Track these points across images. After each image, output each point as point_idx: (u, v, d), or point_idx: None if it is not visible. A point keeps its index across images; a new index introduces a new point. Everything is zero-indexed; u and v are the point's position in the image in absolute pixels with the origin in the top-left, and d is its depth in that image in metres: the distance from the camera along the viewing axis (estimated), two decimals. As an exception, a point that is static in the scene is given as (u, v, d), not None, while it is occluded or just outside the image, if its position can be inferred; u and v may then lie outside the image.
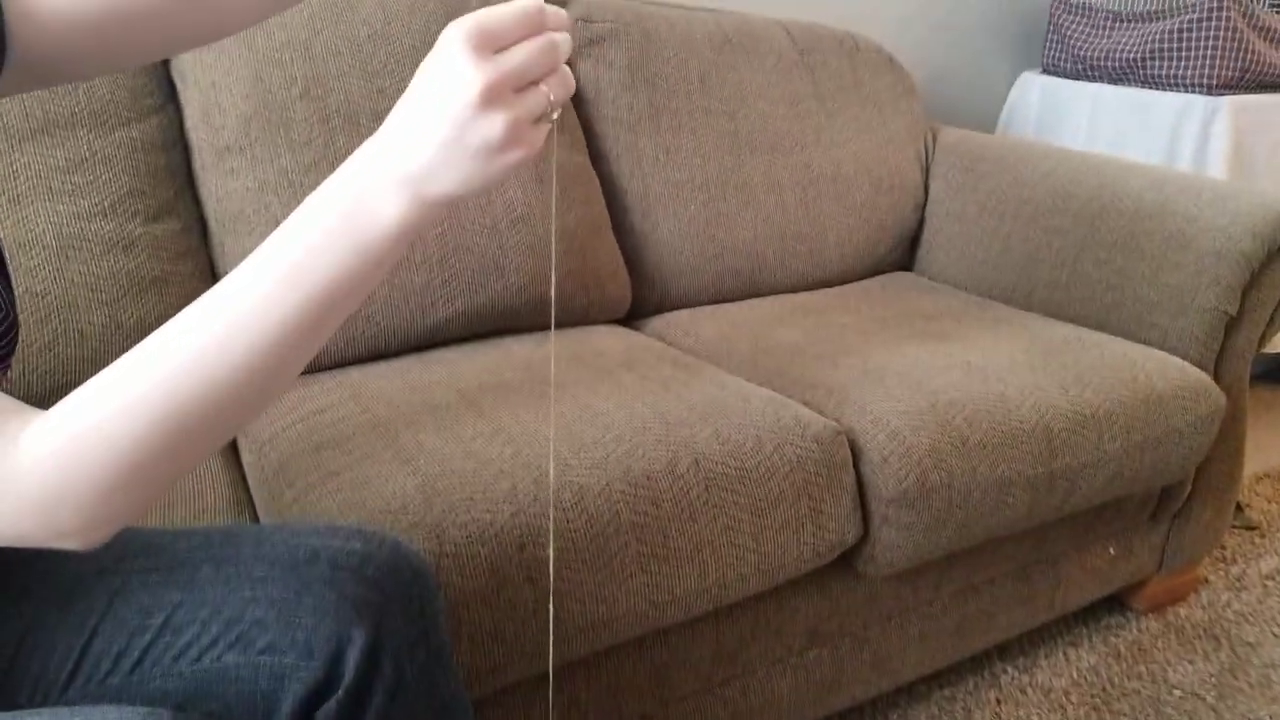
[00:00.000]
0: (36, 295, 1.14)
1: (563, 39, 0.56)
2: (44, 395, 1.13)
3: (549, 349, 1.35)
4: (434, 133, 0.53)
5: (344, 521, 0.95)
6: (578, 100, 1.62)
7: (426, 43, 1.42)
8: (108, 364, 1.15)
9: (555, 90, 0.55)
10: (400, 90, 1.39)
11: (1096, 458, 1.31)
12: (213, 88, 1.30)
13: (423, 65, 0.55)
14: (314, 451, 1.07)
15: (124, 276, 1.19)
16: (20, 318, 1.13)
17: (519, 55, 0.53)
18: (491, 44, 0.53)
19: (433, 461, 1.03)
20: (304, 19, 1.36)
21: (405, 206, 0.55)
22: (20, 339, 1.14)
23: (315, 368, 1.30)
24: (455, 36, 0.52)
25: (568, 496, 1.01)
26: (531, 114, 0.54)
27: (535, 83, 0.55)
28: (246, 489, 1.13)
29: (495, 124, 0.53)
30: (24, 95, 1.18)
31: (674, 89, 1.65)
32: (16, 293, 1.13)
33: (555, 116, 0.56)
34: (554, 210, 1.45)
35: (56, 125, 1.19)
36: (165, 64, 1.32)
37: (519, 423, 1.11)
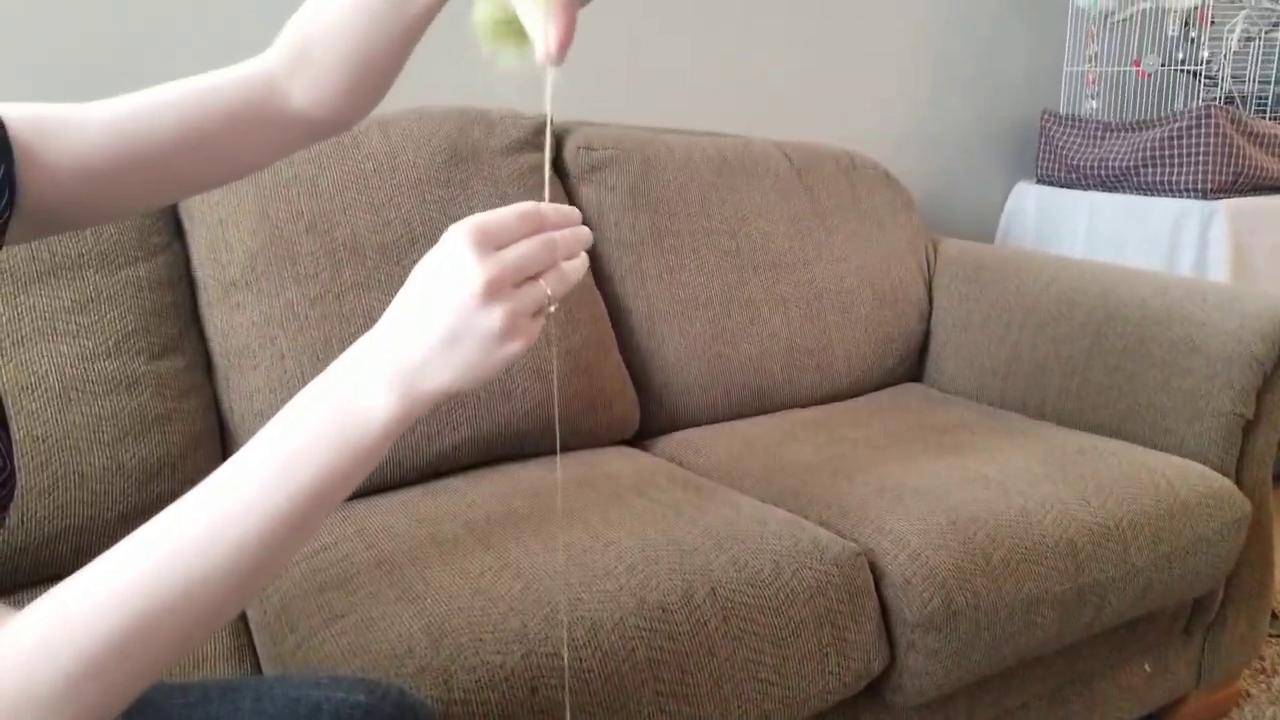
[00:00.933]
0: (37, 439, 1.12)
1: (567, 235, 0.59)
2: (42, 542, 1.11)
3: (558, 476, 1.33)
4: (433, 326, 0.55)
5: (348, 669, 0.92)
6: (584, 223, 1.63)
7: (430, 174, 1.43)
8: (108, 506, 1.14)
9: (553, 285, 0.58)
10: (406, 222, 1.40)
11: (1125, 571, 1.27)
12: (220, 224, 1.31)
13: (423, 263, 0.56)
14: (317, 592, 1.04)
15: (126, 416, 1.17)
16: (20, 463, 1.11)
17: (518, 251, 0.56)
18: (492, 241, 0.56)
19: (440, 600, 0.99)
20: (310, 155, 1.37)
21: (396, 403, 0.56)
22: (19, 484, 1.12)
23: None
24: (459, 234, 0.55)
25: (581, 633, 0.97)
26: (530, 307, 0.56)
27: (534, 278, 0.57)
28: (248, 634, 1.09)
29: (495, 316, 0.55)
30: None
31: (675, 211, 1.67)
32: (16, 438, 1.12)
33: (552, 310, 0.58)
34: (554, 365, 1.45)
35: (63, 267, 1.19)
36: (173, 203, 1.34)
37: (528, 555, 1.08)
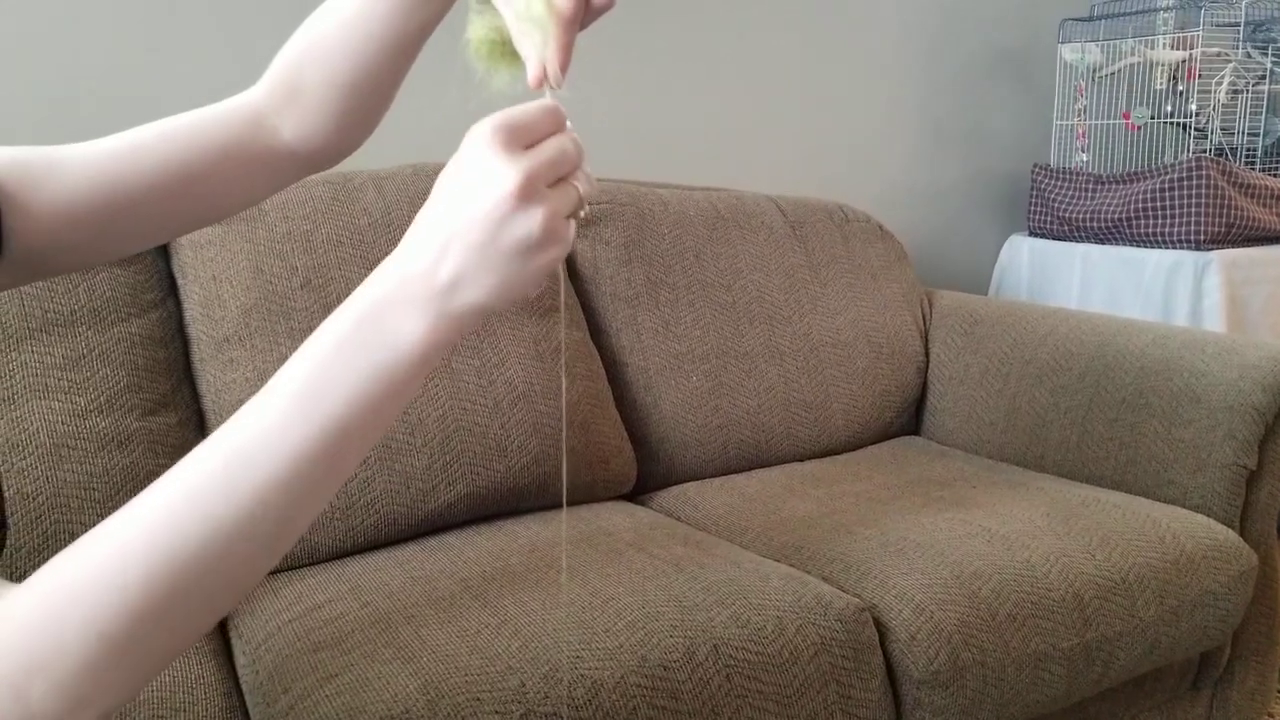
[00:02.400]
0: (27, 497, 1.10)
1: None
2: (29, 601, 1.08)
3: (555, 531, 1.31)
4: (464, 236, 0.50)
5: (343, 731, 0.89)
6: (576, 277, 1.63)
7: (426, 229, 1.43)
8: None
9: (583, 185, 0.53)
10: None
11: (1132, 626, 1.25)
12: (213, 281, 1.30)
13: (444, 174, 0.52)
14: (311, 652, 1.02)
15: (118, 473, 1.16)
16: (10, 521, 1.09)
17: (550, 148, 0.52)
18: (522, 139, 0.51)
19: (436, 659, 0.97)
20: (305, 211, 1.37)
21: (429, 324, 0.51)
22: (8, 543, 1.10)
23: (313, 559, 1.25)
24: (484, 134, 0.51)
25: (581, 693, 0.95)
26: (566, 209, 0.52)
27: (565, 179, 0.53)
28: (240, 696, 1.07)
29: (534, 218, 0.50)
30: (23, 295, 1.18)
31: (670, 264, 1.67)
32: (7, 495, 1.10)
33: (584, 214, 0.54)
34: (564, 390, 1.44)
35: (55, 324, 1.18)
36: (166, 259, 1.33)
37: (526, 613, 1.06)
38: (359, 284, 1.42)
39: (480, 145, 0.51)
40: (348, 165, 1.48)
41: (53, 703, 0.47)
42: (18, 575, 1.08)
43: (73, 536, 1.11)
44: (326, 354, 0.50)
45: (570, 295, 1.59)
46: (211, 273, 1.30)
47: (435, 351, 0.51)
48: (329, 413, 0.50)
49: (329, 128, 0.74)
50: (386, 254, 1.48)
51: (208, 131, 0.71)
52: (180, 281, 1.32)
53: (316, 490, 0.50)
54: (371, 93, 0.73)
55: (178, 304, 1.32)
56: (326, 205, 1.39)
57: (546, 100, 0.54)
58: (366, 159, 1.54)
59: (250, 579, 0.51)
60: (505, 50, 0.65)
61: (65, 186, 0.66)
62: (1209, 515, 1.45)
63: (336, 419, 0.50)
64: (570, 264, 1.62)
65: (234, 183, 0.73)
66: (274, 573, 1.23)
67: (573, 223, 0.54)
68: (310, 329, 1.31)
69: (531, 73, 0.59)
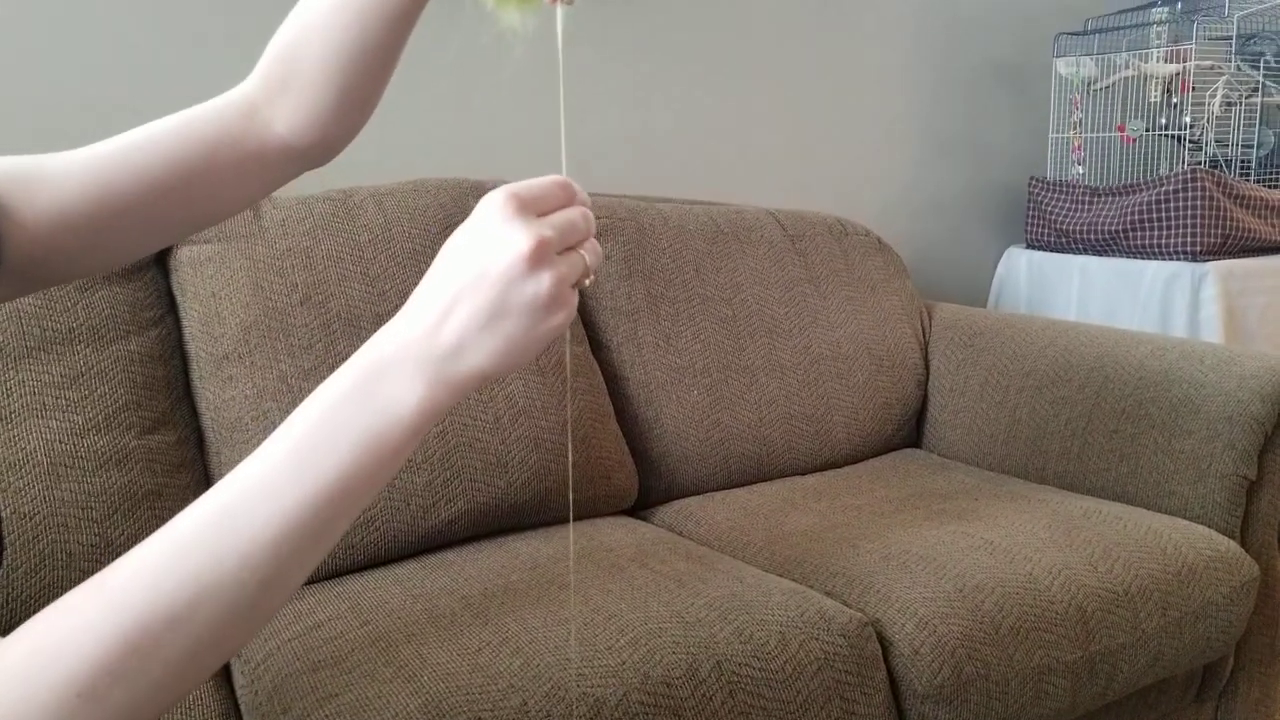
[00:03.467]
0: (25, 516, 1.10)
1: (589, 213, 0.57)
2: (27, 622, 1.08)
3: (556, 547, 1.30)
4: (471, 296, 0.50)
5: (345, 751, 0.88)
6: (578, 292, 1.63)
7: (426, 246, 1.43)
8: (96, 585, 1.11)
9: (590, 256, 0.55)
10: (402, 294, 1.39)
11: (1135, 638, 1.24)
12: (213, 298, 1.30)
13: (452, 240, 0.53)
14: (311, 671, 1.01)
15: (116, 492, 1.15)
16: (6, 540, 1.09)
17: (562, 218, 0.53)
18: (533, 208, 0.52)
19: (437, 678, 0.97)
20: (305, 227, 1.37)
21: (426, 389, 0.51)
22: (5, 563, 1.09)
23: (313, 578, 1.24)
24: (498, 201, 0.52)
25: (583, 710, 0.94)
26: (573, 276, 0.53)
27: (573, 248, 0.54)
28: (239, 716, 1.06)
29: (544, 281, 0.51)
30: (22, 314, 1.17)
31: (671, 279, 1.67)
32: (4, 514, 1.09)
33: (589, 282, 0.55)
34: (569, 405, 1.44)
35: (54, 342, 1.18)
36: (166, 276, 1.33)
37: (527, 630, 1.05)
38: (358, 300, 1.41)
39: (494, 211, 0.52)
40: (348, 181, 1.48)
41: None
42: (15, 594, 1.08)
43: (70, 555, 1.10)
44: (321, 416, 0.50)
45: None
46: (211, 290, 1.30)
47: (430, 418, 0.51)
48: (319, 478, 0.49)
49: (323, 115, 0.72)
50: (385, 270, 1.48)
51: (198, 129, 0.70)
52: (179, 299, 1.31)
53: (303, 554, 0.50)
54: (366, 73, 0.72)
55: (177, 321, 1.31)
56: (326, 221, 1.39)
57: (557, 176, 0.55)
58: (367, 174, 1.55)
59: (232, 640, 0.50)
60: None
61: (58, 193, 0.65)
62: (1210, 526, 1.45)
63: (326, 485, 0.50)
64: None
65: (228, 180, 0.71)
66: (273, 591, 1.23)
67: (576, 293, 0.54)
68: (309, 346, 1.31)
69: None
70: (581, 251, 0.54)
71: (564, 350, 1.51)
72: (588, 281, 0.55)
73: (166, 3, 1.52)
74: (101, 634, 0.46)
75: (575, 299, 0.54)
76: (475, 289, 0.50)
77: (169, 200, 0.69)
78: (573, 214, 0.54)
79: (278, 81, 0.72)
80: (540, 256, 0.51)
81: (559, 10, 0.59)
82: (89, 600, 0.47)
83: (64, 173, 0.66)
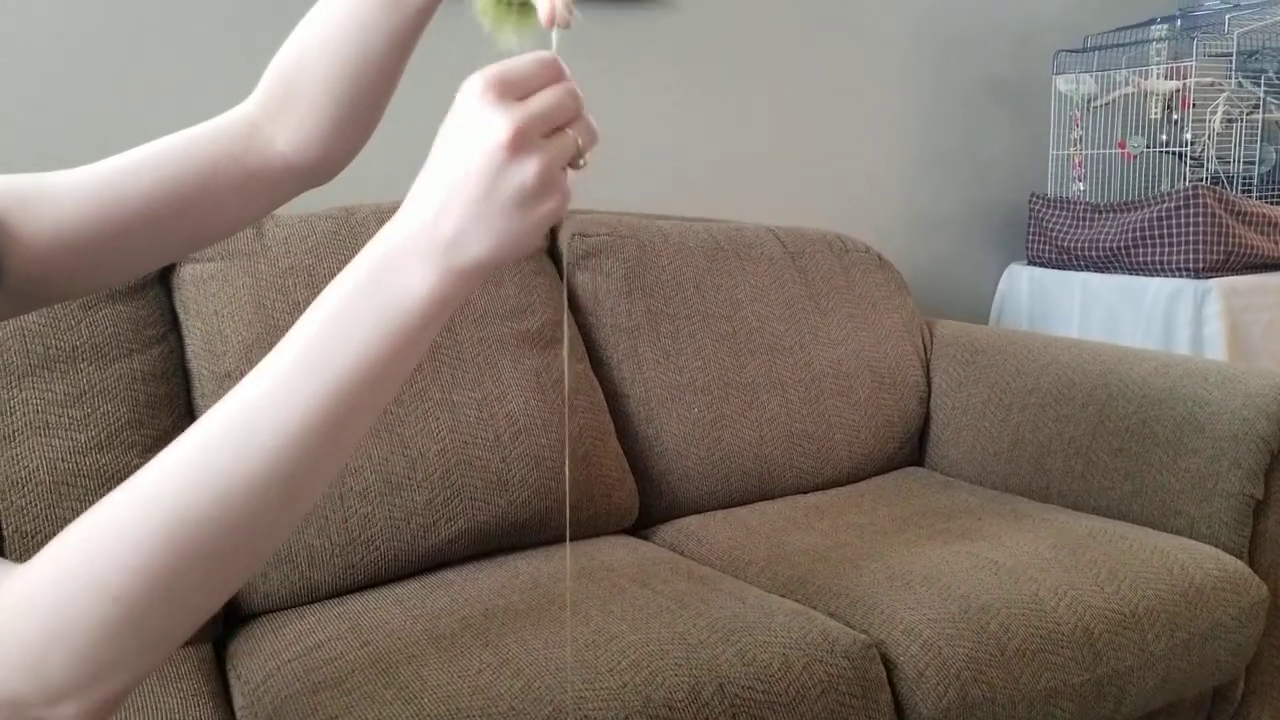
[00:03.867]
0: (27, 535, 1.09)
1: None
2: (26, 643, 1.07)
3: (557, 566, 1.29)
4: (461, 190, 0.50)
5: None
6: (577, 309, 1.63)
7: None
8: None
9: (582, 135, 0.53)
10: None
11: (1143, 660, 1.23)
12: (216, 316, 1.29)
13: (443, 127, 0.52)
14: (311, 693, 1.00)
15: (116, 512, 1.14)
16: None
17: (544, 98, 0.51)
18: (514, 91, 0.51)
19: (437, 700, 0.96)
20: (308, 245, 1.37)
21: (435, 278, 0.50)
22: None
23: (313, 597, 1.24)
24: (476, 88, 0.50)
25: (587, 733, 0.93)
26: (562, 158, 0.52)
27: (561, 129, 0.52)
28: (239, 738, 1.05)
29: (528, 168, 0.50)
30: (26, 332, 1.17)
31: (671, 295, 1.66)
32: (6, 534, 1.09)
33: (583, 163, 0.54)
34: (566, 422, 1.43)
35: (57, 360, 1.17)
36: (169, 294, 1.32)
37: (528, 651, 1.04)
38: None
39: (472, 98, 0.50)
40: (350, 199, 1.48)
41: (72, 671, 0.46)
42: (14, 616, 1.07)
43: (70, 576, 1.10)
44: (335, 307, 0.50)
45: (571, 327, 1.59)
46: (214, 308, 1.30)
47: (443, 306, 0.51)
48: (338, 367, 0.50)
49: (324, 132, 0.72)
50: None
51: (200, 147, 0.70)
52: (182, 316, 1.31)
53: (326, 449, 0.50)
54: (367, 91, 0.72)
55: (179, 339, 1.31)
56: (329, 239, 1.39)
57: (542, 52, 0.53)
58: (368, 193, 1.54)
59: (264, 542, 0.50)
60: (509, 7, 0.64)
61: (60, 211, 0.65)
62: (1217, 546, 1.44)
63: (345, 376, 0.50)
64: (571, 295, 1.62)
65: (229, 198, 0.71)
66: (272, 610, 1.22)
67: (571, 173, 0.53)
68: (310, 364, 1.30)
69: (543, 11, 0.58)
70: (570, 131, 0.52)
71: (563, 367, 1.50)
72: (581, 163, 0.53)
73: (170, 22, 1.52)
74: (133, 536, 0.47)
75: (566, 182, 0.52)
76: (463, 182, 0.50)
77: (171, 218, 0.69)
78: (558, 91, 0.52)
79: (279, 99, 0.72)
80: (520, 143, 0.49)
81: (554, 34, 0.59)
82: (120, 504, 0.48)
83: (65, 191, 0.66)
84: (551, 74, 0.52)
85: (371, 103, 0.73)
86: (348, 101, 0.72)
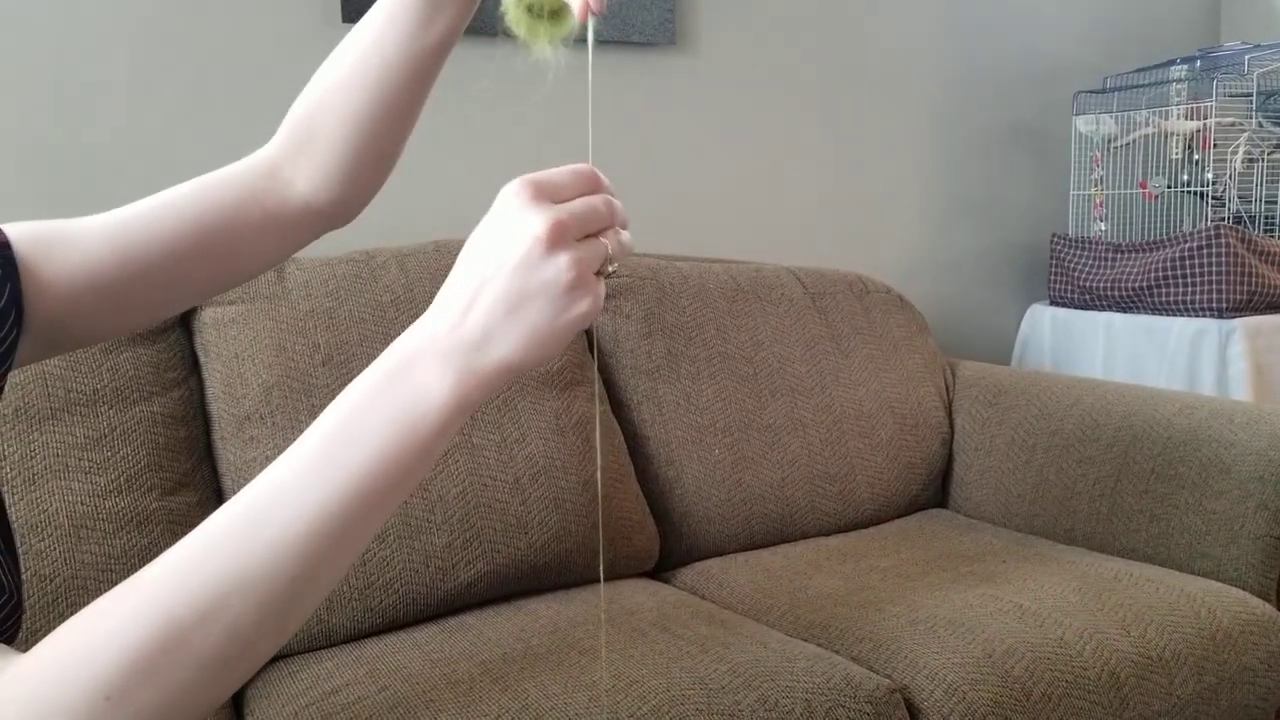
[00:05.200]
0: (45, 579, 1.09)
1: (619, 204, 0.55)
2: (45, 686, 1.07)
3: (577, 610, 1.28)
4: (492, 283, 0.50)
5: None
6: (597, 351, 1.63)
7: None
8: (114, 649, 1.10)
9: (614, 244, 0.53)
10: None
11: (1170, 705, 1.21)
12: (236, 359, 1.30)
13: (477, 230, 0.52)
14: (329, 738, 1.00)
15: (136, 554, 1.15)
16: (27, 603, 1.08)
17: (581, 203, 0.52)
18: (552, 195, 0.51)
19: (458, 745, 0.95)
20: (329, 289, 1.38)
21: (455, 383, 0.50)
22: (25, 625, 1.08)
23: (331, 640, 1.23)
24: (514, 190, 0.51)
25: (605, 780, 0.92)
26: (595, 261, 0.52)
27: (595, 235, 0.52)
28: (255, 783, 1.04)
29: (560, 264, 0.49)
30: (48, 376, 1.18)
31: (691, 337, 1.66)
32: (25, 576, 1.09)
33: (613, 269, 0.54)
34: (599, 464, 1.43)
35: (77, 403, 1.19)
36: (189, 337, 1.34)
37: (547, 697, 1.03)
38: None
39: (509, 199, 0.51)
40: (371, 242, 1.50)
41: None
42: (34, 659, 1.07)
43: (90, 619, 1.10)
44: (353, 407, 0.50)
45: (591, 369, 1.59)
46: (234, 350, 1.31)
47: (461, 410, 0.50)
48: (351, 468, 0.49)
49: (343, 173, 0.73)
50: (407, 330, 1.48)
51: (221, 190, 0.71)
52: (203, 359, 1.32)
53: (334, 550, 0.49)
54: (384, 132, 0.73)
55: (200, 382, 1.32)
56: (350, 283, 1.40)
57: (580, 165, 0.54)
58: (389, 236, 1.56)
59: (264, 641, 0.49)
60: (539, 13, 0.64)
61: (82, 254, 0.66)
62: (1244, 588, 1.41)
63: (356, 479, 0.49)
64: (590, 337, 1.62)
65: (250, 241, 0.72)
66: (290, 654, 1.22)
67: (603, 281, 0.53)
68: (331, 406, 1.31)
69: (577, 5, 0.59)
70: (604, 239, 0.52)
71: (586, 409, 1.50)
72: (611, 268, 0.53)
73: (192, 67, 1.55)
74: (131, 633, 0.46)
75: (601, 287, 0.52)
76: (495, 278, 0.50)
77: (192, 261, 0.70)
78: (593, 200, 0.52)
79: (298, 142, 0.73)
80: (556, 239, 0.50)
81: (590, 25, 0.59)
82: (120, 600, 0.47)
83: (87, 235, 0.67)
84: (589, 184, 0.53)
85: (388, 144, 0.74)
86: (364, 143, 0.73)
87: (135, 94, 1.51)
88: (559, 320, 0.50)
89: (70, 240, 0.66)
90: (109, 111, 1.50)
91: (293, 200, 0.73)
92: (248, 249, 0.72)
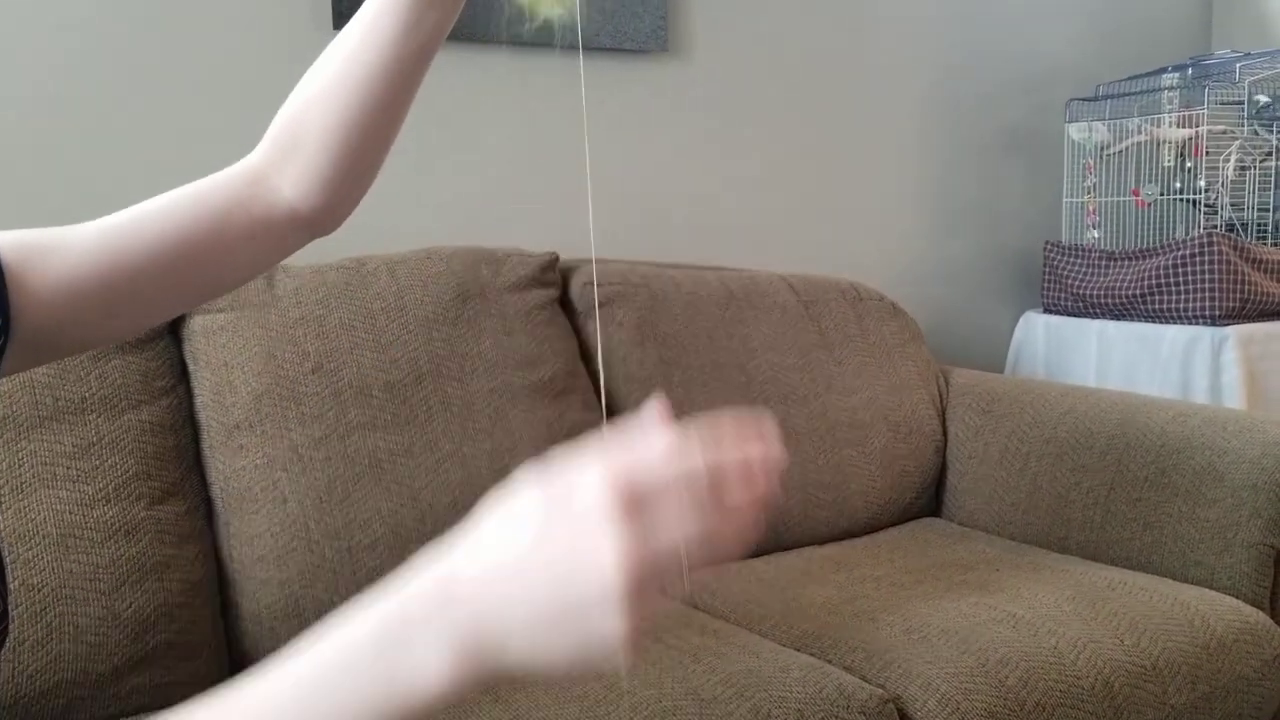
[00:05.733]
0: (33, 588, 1.08)
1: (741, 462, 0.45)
2: (33, 697, 1.06)
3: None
4: (539, 597, 0.42)
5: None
6: (588, 359, 1.62)
7: (438, 314, 1.43)
8: (102, 659, 1.09)
9: (691, 550, 0.43)
10: (411, 360, 1.39)
11: (1164, 714, 1.21)
12: (225, 367, 1.30)
13: (545, 490, 0.44)
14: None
15: (124, 564, 1.14)
16: (14, 613, 1.07)
17: (669, 526, 0.42)
18: (641, 505, 0.42)
19: (447, 757, 0.94)
20: (318, 296, 1.37)
21: (455, 667, 0.42)
22: (12, 634, 1.07)
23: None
24: (604, 485, 0.42)
25: (597, 792, 0.91)
26: (664, 578, 0.43)
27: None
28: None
29: (623, 623, 0.41)
30: (36, 384, 1.17)
31: (684, 345, 1.66)
32: (12, 585, 1.08)
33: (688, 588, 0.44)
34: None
35: (66, 411, 1.18)
36: (178, 345, 1.33)
37: (538, 708, 1.03)
38: (370, 368, 1.40)
39: (600, 497, 0.42)
40: (360, 249, 1.49)
41: None
42: (21, 668, 1.06)
43: (77, 629, 1.09)
44: (336, 667, 0.44)
45: (583, 377, 1.58)
46: (223, 358, 1.30)
47: (454, 693, 0.43)
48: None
49: (328, 178, 0.72)
50: (397, 337, 1.47)
51: (207, 197, 0.70)
52: (192, 367, 1.31)
53: None
54: (370, 137, 0.72)
55: (188, 390, 1.31)
56: (339, 290, 1.39)
57: (682, 444, 0.44)
58: (380, 243, 1.55)
59: None
60: None
61: (67, 262, 0.65)
62: (1237, 597, 1.41)
63: None
64: (582, 346, 1.61)
65: (237, 248, 0.71)
66: (281, 665, 1.21)
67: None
68: (319, 415, 1.30)
69: None
70: (681, 544, 0.43)
71: (579, 417, 1.49)
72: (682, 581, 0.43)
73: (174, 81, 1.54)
74: None
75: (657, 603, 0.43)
76: (550, 586, 0.42)
77: (178, 269, 0.69)
78: (683, 511, 0.43)
79: (284, 147, 0.73)
80: (632, 590, 0.41)
81: (579, 26, 0.57)
82: None
83: (74, 242, 0.66)
84: (686, 480, 0.44)
85: (373, 149, 0.73)
86: (350, 148, 0.72)
87: (123, 100, 1.50)
88: (588, 659, 0.43)
89: (57, 249, 0.66)
90: (97, 117, 1.49)
91: (279, 207, 0.73)
92: (235, 257, 0.72)
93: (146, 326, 0.72)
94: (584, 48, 1.75)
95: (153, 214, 0.69)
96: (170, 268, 0.69)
